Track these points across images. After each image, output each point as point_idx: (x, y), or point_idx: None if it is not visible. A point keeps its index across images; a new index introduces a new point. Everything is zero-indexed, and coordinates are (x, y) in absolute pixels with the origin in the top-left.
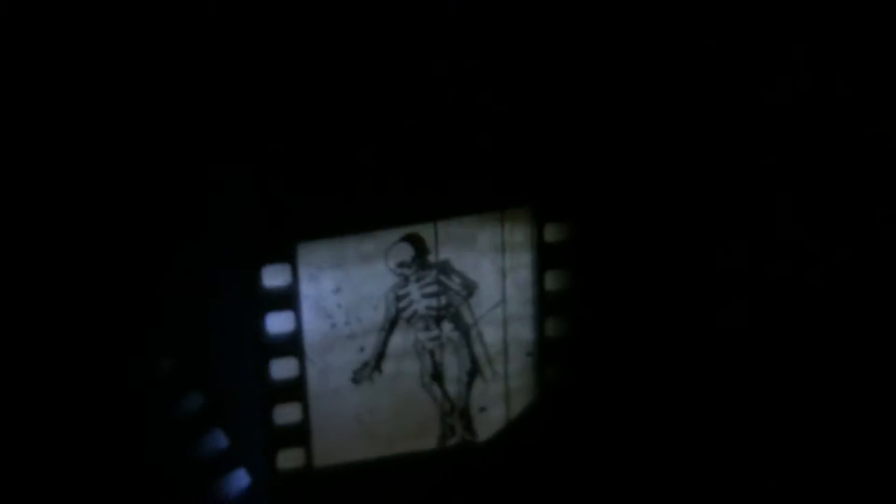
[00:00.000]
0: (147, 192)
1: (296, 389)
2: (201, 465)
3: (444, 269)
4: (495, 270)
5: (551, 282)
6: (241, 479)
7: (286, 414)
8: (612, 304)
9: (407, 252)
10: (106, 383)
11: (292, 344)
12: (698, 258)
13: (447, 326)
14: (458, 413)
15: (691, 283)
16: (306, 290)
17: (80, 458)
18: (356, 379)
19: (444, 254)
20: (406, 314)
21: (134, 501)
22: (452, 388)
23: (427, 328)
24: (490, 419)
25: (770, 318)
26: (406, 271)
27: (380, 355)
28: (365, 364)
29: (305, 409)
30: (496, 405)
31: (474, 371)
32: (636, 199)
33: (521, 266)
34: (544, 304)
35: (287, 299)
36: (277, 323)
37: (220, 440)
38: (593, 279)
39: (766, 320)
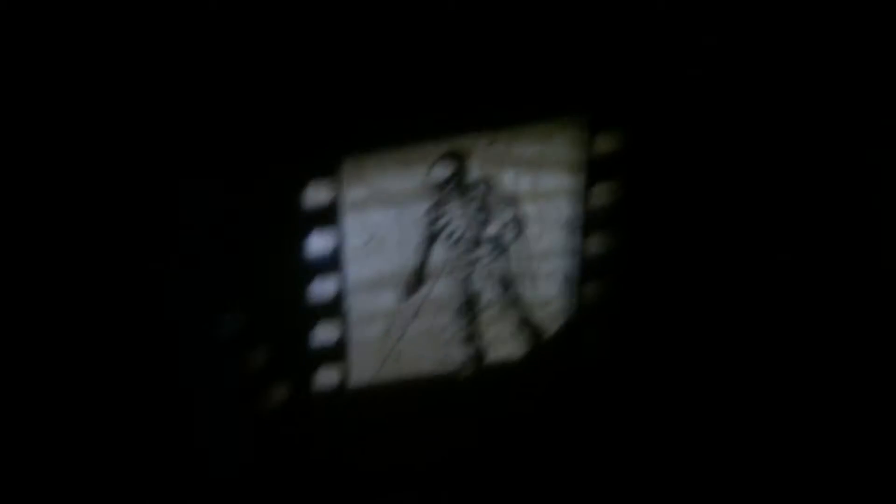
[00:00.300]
0: (184, 108)
1: (336, 308)
2: (242, 380)
3: (487, 186)
4: (543, 184)
5: (599, 196)
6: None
7: (325, 332)
8: (662, 222)
9: (447, 169)
10: (144, 301)
11: (334, 262)
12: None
13: (485, 249)
14: (496, 335)
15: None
16: (350, 207)
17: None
18: (393, 290)
19: (487, 170)
20: (444, 234)
21: (177, 418)
22: (488, 313)
23: (465, 251)
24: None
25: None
26: (446, 189)
27: (418, 272)
28: (406, 280)
29: (344, 329)
30: (527, 331)
31: (513, 293)
32: (693, 106)
33: (569, 179)
34: (591, 220)
35: (330, 217)
36: (320, 241)
37: (261, 356)
38: (644, 194)
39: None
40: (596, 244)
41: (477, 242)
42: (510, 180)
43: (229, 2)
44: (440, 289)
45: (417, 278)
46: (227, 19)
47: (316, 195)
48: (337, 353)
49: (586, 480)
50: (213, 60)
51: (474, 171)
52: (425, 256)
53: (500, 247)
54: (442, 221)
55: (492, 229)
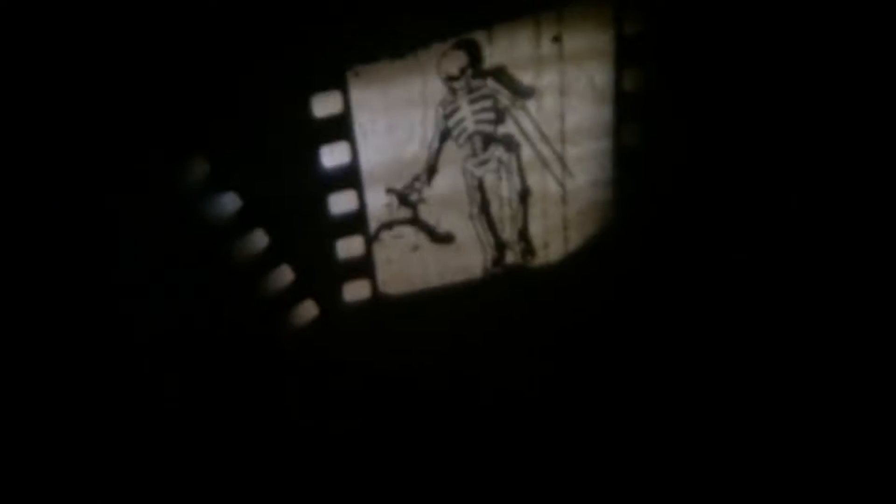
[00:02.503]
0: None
1: (357, 222)
2: (269, 300)
3: (500, 78)
4: (562, 75)
5: (630, 82)
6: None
7: (349, 247)
8: (693, 109)
9: (459, 61)
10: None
11: (350, 175)
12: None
13: (497, 149)
14: (515, 237)
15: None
16: (360, 117)
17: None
18: (406, 195)
19: (505, 61)
20: (455, 132)
21: (205, 336)
22: (505, 214)
23: (474, 153)
24: (554, 242)
25: None
26: (456, 84)
27: (430, 170)
28: (416, 179)
29: (368, 242)
30: (558, 231)
31: (525, 193)
32: None
33: (596, 67)
34: (621, 110)
35: (341, 129)
36: (333, 155)
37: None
38: (676, 77)
39: None
40: (630, 133)
41: (491, 139)
42: (531, 71)
43: None
44: (459, 188)
45: (431, 176)
46: None
47: (325, 106)
48: (362, 265)
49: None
50: None
51: (489, 63)
52: (438, 155)
53: (515, 144)
54: (454, 118)
55: (508, 126)
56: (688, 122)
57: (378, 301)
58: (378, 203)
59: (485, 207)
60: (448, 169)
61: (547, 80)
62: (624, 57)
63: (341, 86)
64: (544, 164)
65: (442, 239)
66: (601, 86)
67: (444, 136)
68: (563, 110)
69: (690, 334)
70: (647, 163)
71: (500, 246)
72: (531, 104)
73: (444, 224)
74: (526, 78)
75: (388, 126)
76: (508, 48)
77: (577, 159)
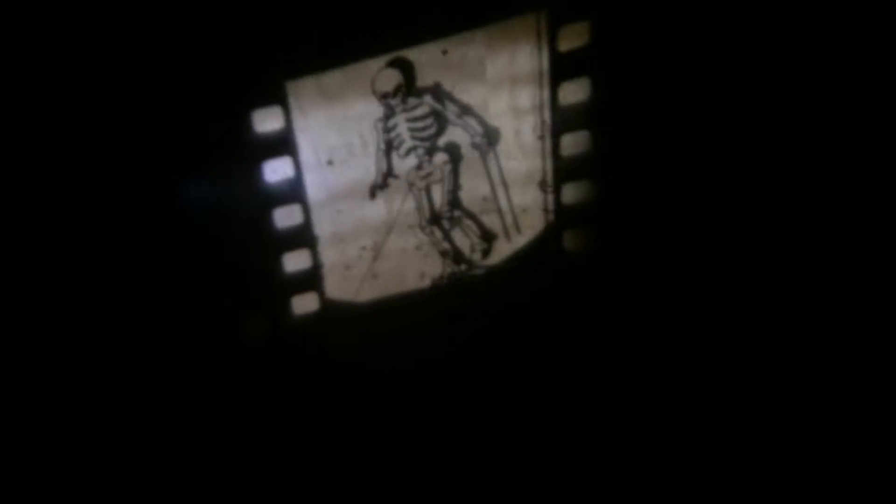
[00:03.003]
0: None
1: (303, 235)
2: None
3: (437, 94)
4: (501, 91)
5: (567, 95)
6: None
7: (296, 260)
8: (635, 120)
9: (393, 79)
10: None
11: (294, 189)
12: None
13: (440, 158)
14: (476, 239)
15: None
16: (301, 130)
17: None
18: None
19: (439, 78)
20: (395, 144)
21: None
22: (456, 220)
23: (419, 166)
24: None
25: None
26: (392, 101)
27: (383, 176)
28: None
29: (314, 255)
30: (503, 239)
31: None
32: None
33: (531, 82)
34: (559, 123)
35: (283, 144)
36: (276, 170)
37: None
38: (614, 91)
39: None
40: (569, 145)
41: (429, 152)
42: (467, 86)
43: None
44: (406, 202)
45: (379, 192)
46: None
47: (266, 123)
48: (310, 279)
49: (570, 385)
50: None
51: (425, 80)
52: (385, 170)
53: (457, 155)
54: (394, 133)
55: (448, 138)
56: (630, 131)
57: (328, 312)
58: (326, 215)
59: (435, 218)
60: (395, 183)
61: (486, 91)
62: (560, 71)
63: (282, 101)
64: (494, 165)
65: (397, 249)
66: (540, 99)
67: (388, 150)
68: (503, 121)
69: (680, 332)
70: (597, 166)
71: (456, 253)
72: (471, 116)
73: (398, 234)
74: (466, 92)
75: (330, 140)
76: (447, 64)
77: (527, 167)
